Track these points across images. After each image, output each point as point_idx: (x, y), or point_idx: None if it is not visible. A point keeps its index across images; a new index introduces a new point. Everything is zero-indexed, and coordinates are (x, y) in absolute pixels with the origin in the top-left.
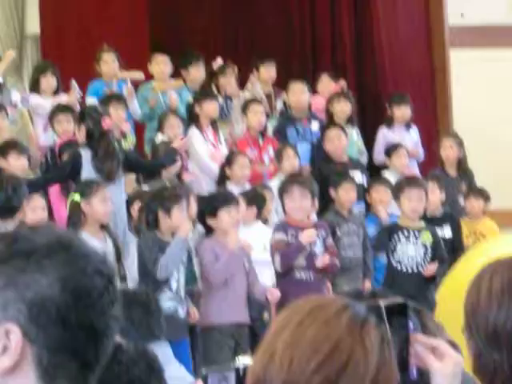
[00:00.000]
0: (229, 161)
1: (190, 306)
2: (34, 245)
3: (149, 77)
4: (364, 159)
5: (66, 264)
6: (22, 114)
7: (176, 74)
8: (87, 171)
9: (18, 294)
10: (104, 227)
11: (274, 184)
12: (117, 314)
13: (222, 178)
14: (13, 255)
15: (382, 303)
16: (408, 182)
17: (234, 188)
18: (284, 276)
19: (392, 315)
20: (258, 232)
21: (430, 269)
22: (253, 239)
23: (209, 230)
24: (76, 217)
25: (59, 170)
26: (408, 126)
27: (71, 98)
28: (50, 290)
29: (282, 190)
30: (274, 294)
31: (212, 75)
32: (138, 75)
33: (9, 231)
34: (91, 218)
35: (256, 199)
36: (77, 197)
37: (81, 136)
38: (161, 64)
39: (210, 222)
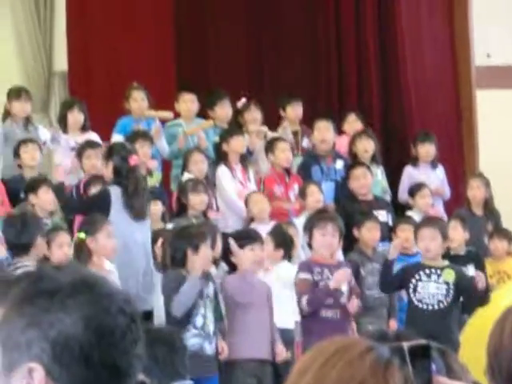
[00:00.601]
0: (246, 201)
1: (220, 341)
2: (58, 284)
3: (176, 115)
4: (388, 198)
5: (90, 303)
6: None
7: (203, 113)
8: (116, 209)
9: (42, 333)
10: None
11: (300, 221)
12: (140, 352)
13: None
14: (37, 294)
15: (406, 345)
16: (422, 221)
17: (258, 226)
18: (310, 314)
19: (415, 357)
20: (283, 270)
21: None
22: (278, 277)
23: (233, 268)
24: (81, 254)
25: (87, 201)
26: (433, 165)
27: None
28: (73, 329)
29: (312, 226)
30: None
31: (237, 114)
32: (167, 114)
33: (33, 270)
34: (97, 255)
35: (285, 242)
36: (82, 234)
37: (108, 172)
38: (188, 102)
39: (234, 259)
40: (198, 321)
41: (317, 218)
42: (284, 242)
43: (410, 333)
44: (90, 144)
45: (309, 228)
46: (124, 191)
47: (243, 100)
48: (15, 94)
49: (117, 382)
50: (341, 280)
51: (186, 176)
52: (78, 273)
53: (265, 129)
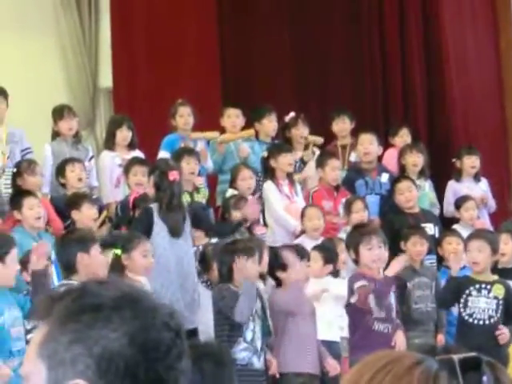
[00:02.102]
0: (301, 214)
1: (268, 355)
2: (101, 299)
3: (221, 130)
4: (436, 211)
5: (134, 318)
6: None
7: (248, 127)
8: (158, 226)
9: (87, 350)
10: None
11: (342, 236)
12: (185, 367)
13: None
14: (81, 310)
15: (456, 357)
16: (471, 233)
17: (307, 241)
18: (360, 327)
19: (465, 370)
20: (331, 285)
21: (503, 335)
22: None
23: (279, 283)
24: (116, 270)
25: (132, 221)
26: (476, 179)
27: None
28: (118, 344)
29: (356, 241)
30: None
31: (284, 128)
32: (214, 135)
33: (76, 286)
34: (130, 272)
35: (332, 257)
36: (118, 250)
37: (150, 189)
38: (232, 117)
39: (280, 274)
40: (248, 335)
41: (360, 234)
42: (332, 258)
43: (459, 347)
44: (137, 160)
45: (354, 244)
46: (160, 206)
47: (291, 114)
48: (58, 113)
49: None
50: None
51: (230, 192)
52: (121, 288)
53: (320, 140)
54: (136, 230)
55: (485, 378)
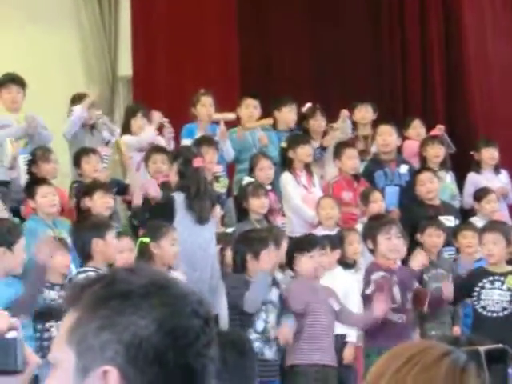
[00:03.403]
0: (316, 204)
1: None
2: (130, 286)
3: (238, 120)
4: (457, 203)
5: (163, 305)
6: (117, 144)
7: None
8: (180, 214)
9: (116, 336)
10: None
11: (359, 227)
12: (214, 355)
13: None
14: (110, 297)
15: (482, 349)
16: (485, 226)
17: (323, 231)
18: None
19: (492, 361)
20: (339, 278)
21: None
22: (334, 286)
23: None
24: (144, 258)
25: (152, 210)
26: (496, 171)
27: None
28: (147, 331)
29: (375, 231)
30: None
31: (302, 118)
32: (231, 116)
33: (106, 273)
34: (159, 260)
35: (336, 242)
36: (146, 239)
37: (173, 176)
38: (250, 107)
39: (294, 266)
40: (259, 325)
41: (379, 223)
42: (336, 244)
43: (481, 338)
44: (156, 149)
45: (372, 234)
46: (187, 194)
47: (308, 105)
48: (78, 99)
49: (191, 383)
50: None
51: (247, 180)
52: (150, 275)
53: (336, 125)
54: (156, 218)
55: (510, 370)
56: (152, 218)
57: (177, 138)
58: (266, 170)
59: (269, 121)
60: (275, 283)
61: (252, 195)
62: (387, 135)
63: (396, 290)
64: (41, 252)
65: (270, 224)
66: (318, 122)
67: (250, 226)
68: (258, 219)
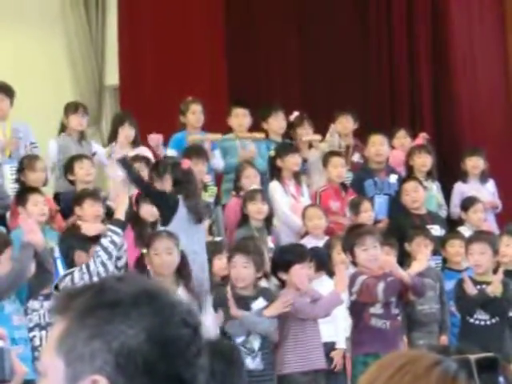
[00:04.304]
0: (302, 214)
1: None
2: (120, 295)
3: (228, 129)
4: (443, 213)
5: (152, 314)
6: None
7: (254, 128)
8: (179, 217)
9: (105, 345)
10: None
11: None
12: (204, 364)
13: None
14: (99, 306)
15: (472, 358)
16: (472, 235)
17: (312, 241)
18: (359, 323)
19: (482, 370)
20: (326, 287)
21: None
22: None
23: (283, 282)
24: (140, 269)
25: (161, 193)
26: (483, 180)
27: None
28: (136, 340)
29: (351, 244)
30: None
31: (290, 127)
32: (216, 137)
33: (96, 281)
34: (154, 269)
35: (324, 263)
36: (145, 249)
37: (166, 186)
38: (240, 116)
39: (282, 276)
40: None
41: (354, 235)
42: (323, 263)
43: (470, 347)
44: (139, 157)
45: (349, 246)
46: (185, 195)
47: (295, 113)
48: (73, 108)
49: None
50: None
51: (254, 186)
52: (140, 284)
53: (317, 137)
54: (164, 217)
55: (502, 379)
56: (158, 201)
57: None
58: (251, 178)
59: (260, 135)
60: (264, 293)
61: (249, 200)
62: (379, 145)
63: (380, 288)
64: (29, 231)
65: (269, 230)
66: (305, 131)
67: (249, 233)
68: (258, 226)
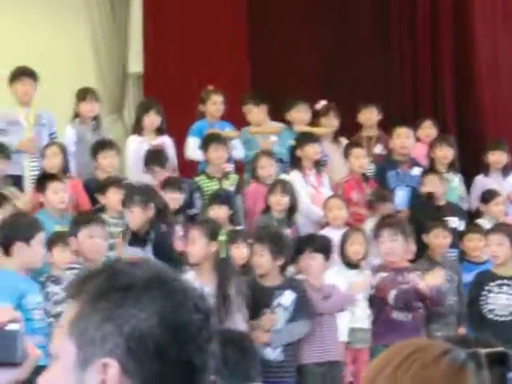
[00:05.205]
0: (324, 205)
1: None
2: (132, 279)
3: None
4: (465, 205)
5: (164, 299)
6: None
7: (277, 119)
8: None
9: (116, 329)
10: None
11: (368, 227)
12: (214, 350)
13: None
14: (111, 289)
15: (483, 350)
16: (491, 227)
17: (331, 232)
18: (380, 315)
19: (492, 363)
20: (342, 277)
21: None
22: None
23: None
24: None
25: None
26: (505, 173)
27: None
28: (147, 324)
29: (376, 235)
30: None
31: (314, 116)
32: (232, 135)
33: (108, 265)
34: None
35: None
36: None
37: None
38: (255, 112)
39: (297, 268)
40: None
41: (376, 227)
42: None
43: (491, 339)
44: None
45: (375, 238)
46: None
47: (323, 102)
48: (81, 95)
49: (191, 378)
50: (434, 281)
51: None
52: (152, 268)
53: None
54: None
55: (511, 375)
56: None
57: (183, 136)
58: (266, 168)
59: (277, 129)
60: (291, 285)
61: (269, 191)
62: (405, 137)
63: (392, 295)
64: None
65: (290, 221)
66: (330, 121)
67: (269, 222)
68: (279, 217)
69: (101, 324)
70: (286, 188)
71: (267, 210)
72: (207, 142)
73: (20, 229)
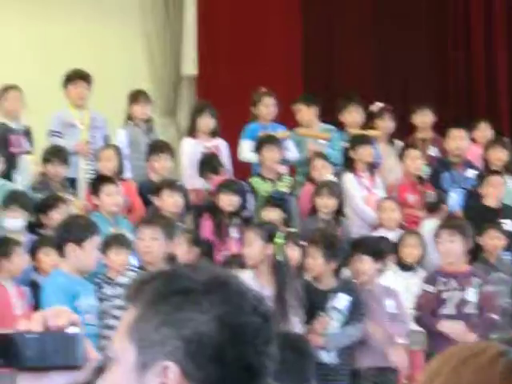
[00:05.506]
0: (377, 207)
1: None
2: (191, 283)
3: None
4: None
5: (223, 302)
6: None
7: (331, 121)
8: None
9: (176, 332)
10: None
11: (425, 229)
12: (273, 353)
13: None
14: (171, 293)
15: None
16: None
17: (384, 233)
18: (431, 330)
19: None
20: (396, 280)
21: None
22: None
23: None
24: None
25: None
26: None
27: None
28: (207, 327)
29: (435, 237)
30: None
31: (369, 118)
32: (285, 135)
33: (167, 269)
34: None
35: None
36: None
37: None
38: (305, 114)
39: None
40: None
41: (437, 228)
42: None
43: None
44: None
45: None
46: None
47: (379, 104)
48: (134, 97)
49: (250, 381)
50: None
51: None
52: (211, 272)
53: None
54: None
55: None
56: None
57: (236, 138)
58: (320, 170)
59: (325, 136)
60: (348, 289)
61: (316, 194)
62: (460, 139)
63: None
64: None
65: (337, 224)
66: (385, 124)
67: (315, 224)
68: (326, 218)
69: (160, 327)
70: (333, 190)
71: (314, 211)
72: (261, 143)
73: (73, 230)
